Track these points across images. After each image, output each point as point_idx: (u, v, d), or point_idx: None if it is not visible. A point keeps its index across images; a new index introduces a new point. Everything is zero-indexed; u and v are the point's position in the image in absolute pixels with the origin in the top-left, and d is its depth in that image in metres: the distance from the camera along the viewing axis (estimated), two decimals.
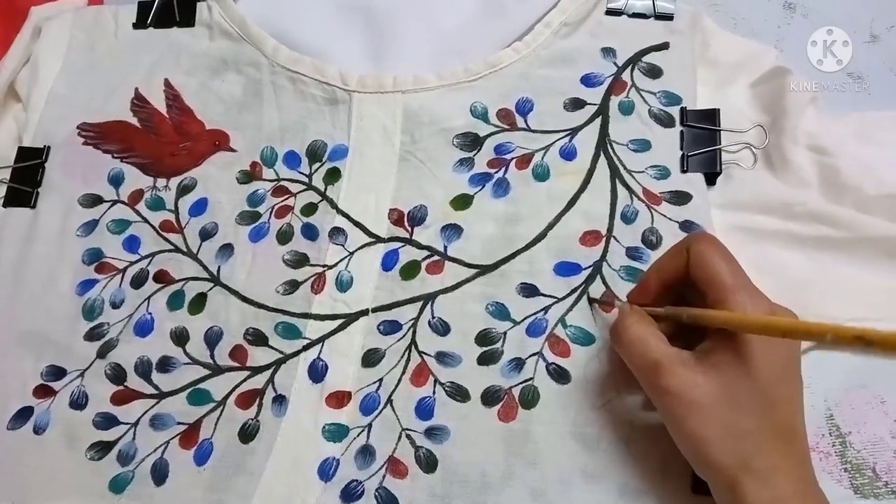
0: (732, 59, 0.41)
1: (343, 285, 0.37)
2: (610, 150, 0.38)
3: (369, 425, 0.34)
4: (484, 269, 0.36)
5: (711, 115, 0.39)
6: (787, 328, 0.24)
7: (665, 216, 0.37)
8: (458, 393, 0.34)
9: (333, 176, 0.39)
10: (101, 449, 0.34)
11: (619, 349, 0.30)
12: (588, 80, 0.40)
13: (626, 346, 0.29)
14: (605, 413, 0.33)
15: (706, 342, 0.28)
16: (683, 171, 0.38)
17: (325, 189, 0.39)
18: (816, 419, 0.35)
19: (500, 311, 0.35)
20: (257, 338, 0.36)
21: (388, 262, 0.37)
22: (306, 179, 0.40)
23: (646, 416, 0.33)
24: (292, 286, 0.37)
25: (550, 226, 0.37)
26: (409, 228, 0.38)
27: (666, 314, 0.30)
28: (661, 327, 0.30)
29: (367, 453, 0.33)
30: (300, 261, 0.38)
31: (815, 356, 0.34)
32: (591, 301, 0.35)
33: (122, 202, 0.40)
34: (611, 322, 0.34)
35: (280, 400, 0.35)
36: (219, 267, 0.38)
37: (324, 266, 0.37)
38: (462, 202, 0.38)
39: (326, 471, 0.33)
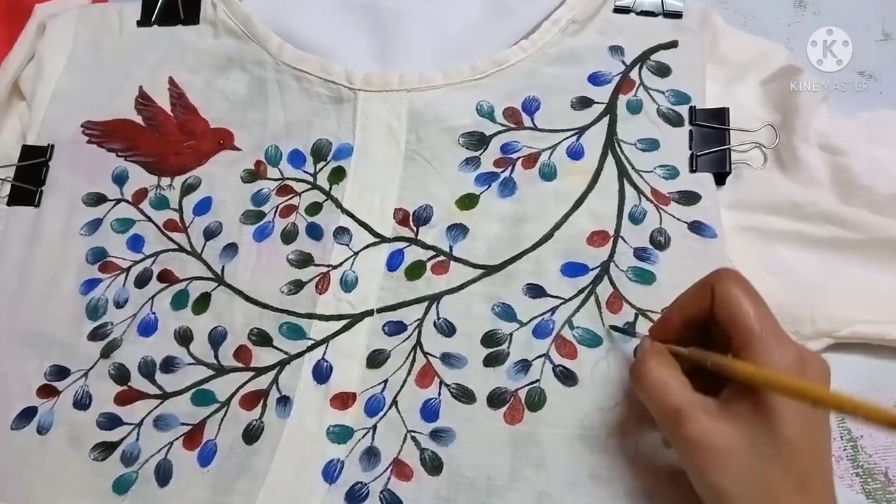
0: (742, 57, 0.41)
1: (348, 285, 0.37)
2: (618, 150, 0.38)
3: (374, 427, 0.34)
4: (490, 270, 0.36)
5: (721, 114, 0.39)
6: (817, 398, 0.23)
7: (673, 216, 0.36)
8: (464, 394, 0.34)
9: (338, 175, 0.39)
10: (105, 449, 0.34)
11: (639, 392, 0.29)
12: (596, 79, 0.40)
13: (646, 390, 0.28)
14: (613, 416, 0.33)
15: (729, 389, 0.27)
16: (692, 171, 0.37)
17: (330, 188, 0.39)
18: None
19: (507, 312, 0.35)
20: (261, 338, 0.36)
21: (392, 262, 0.37)
22: (311, 178, 0.39)
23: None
24: (297, 286, 0.37)
25: (557, 226, 0.37)
26: (415, 228, 0.38)
27: (689, 356, 0.28)
28: (682, 365, 0.29)
29: (371, 455, 0.33)
30: (305, 260, 0.37)
31: (826, 359, 0.33)
32: (611, 329, 0.34)
33: (126, 201, 0.40)
34: (619, 324, 0.34)
35: (284, 401, 0.34)
36: (223, 266, 0.38)
37: (328, 266, 0.37)
38: (468, 202, 0.38)
39: (331, 473, 0.33)
